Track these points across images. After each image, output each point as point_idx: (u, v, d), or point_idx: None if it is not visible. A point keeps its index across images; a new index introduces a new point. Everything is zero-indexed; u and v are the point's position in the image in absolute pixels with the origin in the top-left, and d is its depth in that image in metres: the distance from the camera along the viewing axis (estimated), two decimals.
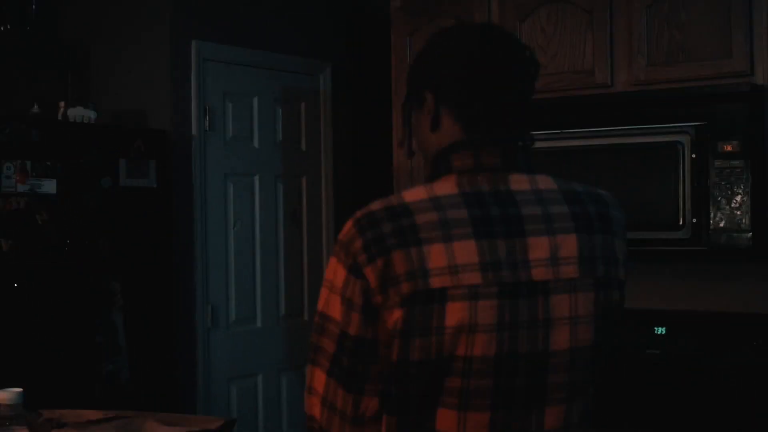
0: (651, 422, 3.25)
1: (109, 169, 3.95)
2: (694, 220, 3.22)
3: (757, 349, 3.41)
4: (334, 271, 1.44)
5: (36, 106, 4.03)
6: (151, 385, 4.08)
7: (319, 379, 1.47)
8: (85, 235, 3.85)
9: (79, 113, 3.99)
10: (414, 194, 1.46)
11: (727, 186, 3.15)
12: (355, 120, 5.19)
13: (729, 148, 3.16)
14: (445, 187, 1.46)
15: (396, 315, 1.38)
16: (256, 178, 4.72)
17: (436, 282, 1.38)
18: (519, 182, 1.49)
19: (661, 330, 3.59)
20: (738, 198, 3.14)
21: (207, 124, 4.46)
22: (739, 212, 3.14)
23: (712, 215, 3.17)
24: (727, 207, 3.15)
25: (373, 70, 5.08)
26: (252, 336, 4.68)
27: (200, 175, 4.41)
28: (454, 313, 1.38)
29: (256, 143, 4.73)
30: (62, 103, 4.04)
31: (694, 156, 3.21)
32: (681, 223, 3.24)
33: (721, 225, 3.16)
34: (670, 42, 3.35)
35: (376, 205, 1.45)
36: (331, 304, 1.44)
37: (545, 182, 1.51)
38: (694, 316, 3.54)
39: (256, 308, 4.72)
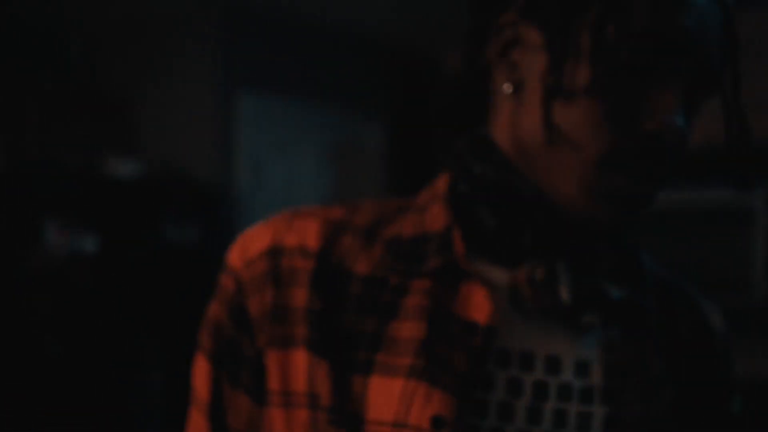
0: None
1: (153, 226, 4.02)
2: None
3: None
4: None
5: (78, 158, 4.12)
6: None
7: None
8: (130, 292, 3.92)
9: (123, 167, 4.08)
10: None
11: None
12: (405, 175, 5.21)
13: None
14: None
15: None
16: None
17: None
18: None
19: None
20: None
21: (254, 178, 4.53)
22: None
23: None
24: None
25: (418, 127, 5.12)
26: None
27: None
28: None
29: (304, 200, 4.79)
30: (108, 158, 4.13)
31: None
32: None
33: None
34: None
35: None
36: None
37: None
38: None
39: None
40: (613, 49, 0.82)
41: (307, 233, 0.90)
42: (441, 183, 0.94)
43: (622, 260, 0.94)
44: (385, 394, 0.85)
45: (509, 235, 0.89)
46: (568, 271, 0.88)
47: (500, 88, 0.89)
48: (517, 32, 0.87)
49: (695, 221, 3.33)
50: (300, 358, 0.87)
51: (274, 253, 0.89)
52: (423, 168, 5.14)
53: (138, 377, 3.95)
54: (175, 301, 4.09)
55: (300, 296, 0.88)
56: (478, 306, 0.88)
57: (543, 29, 0.85)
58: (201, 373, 0.93)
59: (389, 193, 5.11)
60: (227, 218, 4.40)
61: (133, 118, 4.60)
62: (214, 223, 4.29)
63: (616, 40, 0.82)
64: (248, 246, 0.91)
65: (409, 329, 0.86)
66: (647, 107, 0.84)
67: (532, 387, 0.88)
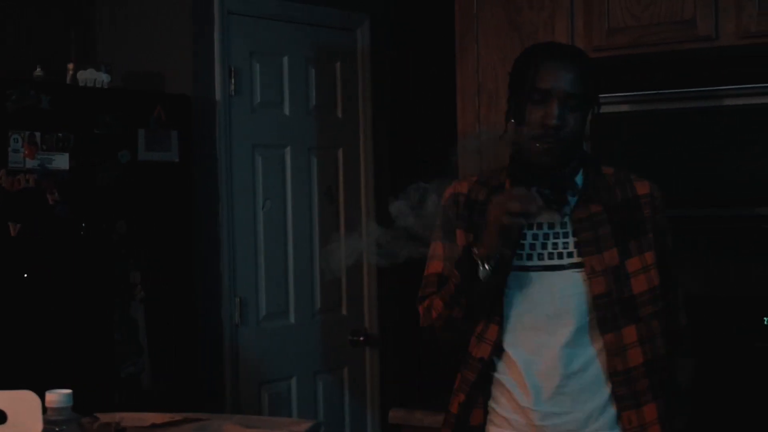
0: (758, 422, 3.30)
1: (126, 141, 3.99)
2: None
3: None
4: None
5: (39, 69, 4.06)
6: (175, 389, 4.13)
7: None
8: (101, 217, 3.90)
9: (90, 76, 4.03)
10: None
11: None
12: (397, 82, 5.21)
13: None
14: None
15: None
16: (287, 151, 4.78)
17: None
18: None
19: None
20: None
21: (232, 88, 4.51)
22: None
23: None
24: None
25: (419, 23, 5.11)
26: (284, 333, 4.74)
27: (225, 147, 4.45)
28: None
29: (286, 110, 4.79)
30: (71, 65, 4.07)
31: None
32: None
33: None
34: None
35: None
36: None
37: None
38: None
39: (288, 301, 4.78)
40: (529, 98, 2.62)
41: (464, 186, 2.79)
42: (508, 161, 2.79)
43: (571, 178, 2.69)
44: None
45: (524, 176, 2.66)
46: (549, 187, 2.60)
47: (510, 120, 2.73)
48: (508, 96, 2.77)
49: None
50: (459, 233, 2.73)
51: (453, 194, 2.77)
52: (413, 70, 5.18)
53: (117, 310, 3.95)
54: (151, 225, 4.07)
55: (459, 210, 2.76)
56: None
57: (509, 93, 2.75)
58: (435, 246, 2.76)
59: (377, 102, 5.10)
60: (204, 133, 4.37)
61: (97, 22, 4.54)
62: (191, 135, 4.25)
63: (531, 93, 2.61)
64: (445, 193, 2.77)
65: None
66: (544, 115, 2.58)
67: (542, 235, 2.66)
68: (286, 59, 4.76)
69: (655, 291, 2.63)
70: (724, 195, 3.42)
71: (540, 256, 2.63)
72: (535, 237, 2.65)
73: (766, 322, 3.66)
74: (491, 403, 2.68)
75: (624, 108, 3.60)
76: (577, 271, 2.60)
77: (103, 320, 3.92)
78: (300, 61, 4.82)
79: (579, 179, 2.69)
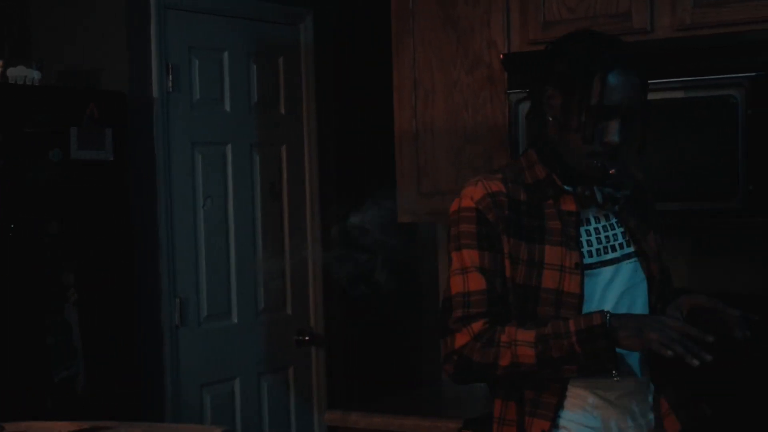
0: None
1: (58, 139, 3.96)
2: (751, 188, 3.25)
3: None
4: None
5: None
6: (112, 394, 4.10)
7: None
8: (32, 217, 3.86)
9: (20, 73, 3.99)
10: None
11: None
12: (341, 76, 5.19)
13: None
14: None
15: None
16: (228, 148, 4.75)
17: None
18: None
19: None
20: None
21: (170, 84, 4.47)
22: None
23: None
24: None
25: (362, 18, 5.09)
26: (227, 334, 4.72)
27: (163, 144, 4.42)
28: None
29: (227, 106, 4.75)
30: (0, 63, 4.03)
31: (750, 112, 3.24)
32: (735, 191, 3.28)
33: None
34: None
35: None
36: None
37: None
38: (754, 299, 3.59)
39: (231, 301, 4.75)
40: (593, 113, 2.42)
41: (498, 185, 2.48)
42: (531, 154, 2.56)
43: (619, 181, 2.54)
44: (554, 254, 2.45)
45: (569, 178, 2.51)
46: (598, 190, 2.52)
47: (548, 118, 2.51)
48: (552, 94, 2.49)
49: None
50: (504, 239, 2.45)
51: (490, 194, 2.46)
52: (357, 65, 5.15)
53: (50, 313, 3.92)
54: (85, 225, 4.04)
55: (504, 212, 2.46)
56: (570, 203, 2.50)
57: (562, 98, 2.45)
58: (472, 256, 2.44)
59: (321, 98, 5.08)
60: (141, 131, 4.34)
61: (29, 17, 4.50)
62: (127, 132, 4.22)
63: (595, 109, 2.42)
64: (472, 193, 2.47)
65: (553, 225, 2.48)
66: (604, 131, 2.43)
67: (595, 230, 2.53)
68: (226, 55, 4.73)
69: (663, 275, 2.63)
70: (658, 189, 3.42)
71: (598, 252, 2.51)
72: (588, 233, 2.52)
73: None
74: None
75: None
76: (633, 261, 2.54)
77: (35, 324, 3.87)
78: (241, 56, 4.79)
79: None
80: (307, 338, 5.00)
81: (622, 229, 2.55)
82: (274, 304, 4.93)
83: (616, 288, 2.50)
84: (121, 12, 4.32)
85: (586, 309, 2.41)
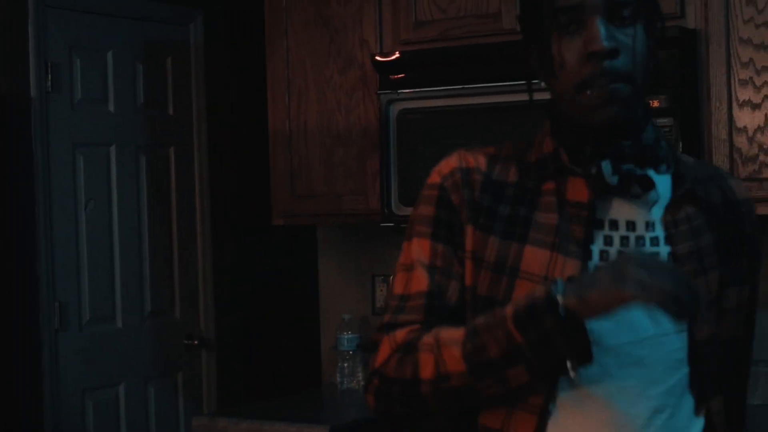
0: None
1: None
2: None
3: None
4: None
5: None
6: None
7: None
8: None
9: None
10: None
11: None
12: (232, 78, 5.18)
13: (657, 104, 3.23)
14: None
15: None
16: (113, 149, 4.71)
17: None
18: None
19: None
20: None
21: (49, 83, 4.43)
22: None
23: None
24: None
25: (253, 18, 5.08)
26: (111, 338, 4.68)
27: (42, 146, 4.38)
28: None
29: (111, 107, 4.71)
30: None
31: None
32: None
33: None
34: None
35: None
36: None
37: None
38: None
39: (115, 305, 4.71)
40: (553, 26, 1.65)
41: (480, 159, 1.76)
42: (546, 125, 1.77)
43: (643, 153, 1.72)
44: (537, 258, 1.68)
45: (579, 150, 1.71)
46: (609, 164, 1.68)
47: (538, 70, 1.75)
48: (531, 50, 1.75)
49: None
50: (468, 231, 1.72)
51: (462, 169, 1.75)
52: (249, 70, 5.13)
53: None
54: None
55: (474, 194, 1.73)
56: (581, 191, 1.70)
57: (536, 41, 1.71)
58: (422, 247, 1.74)
59: (212, 99, 5.07)
60: (18, 132, 4.30)
61: None
62: (4, 133, 4.19)
63: (553, 17, 1.65)
64: (443, 166, 1.77)
65: (546, 218, 1.70)
66: (585, 43, 1.64)
67: (619, 239, 1.71)
68: (110, 54, 4.69)
69: (738, 346, 1.81)
70: None
71: None
72: (609, 241, 1.72)
73: None
74: None
75: (432, 103, 3.61)
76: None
77: None
78: (126, 56, 4.76)
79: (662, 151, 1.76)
80: (196, 342, 4.97)
81: (668, 249, 1.72)
82: (162, 307, 4.90)
83: (624, 330, 1.67)
84: None
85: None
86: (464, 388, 1.63)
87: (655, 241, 1.71)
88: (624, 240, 1.70)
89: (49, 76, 4.43)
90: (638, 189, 1.70)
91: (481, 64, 3.55)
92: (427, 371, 1.64)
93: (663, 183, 1.74)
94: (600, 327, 1.59)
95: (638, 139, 1.72)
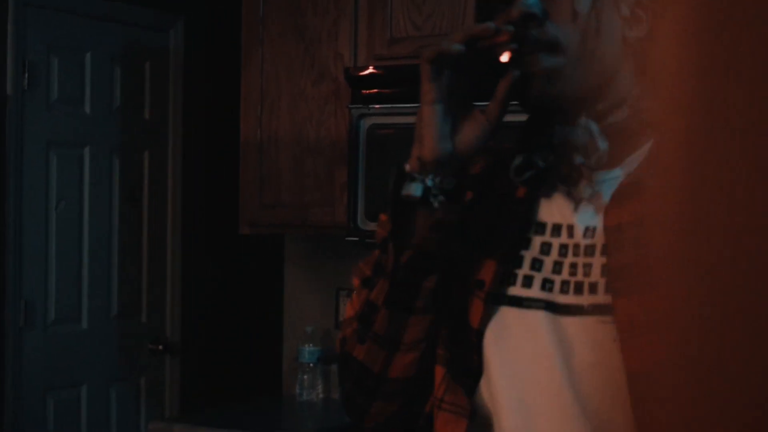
0: None
1: None
2: None
3: None
4: None
5: None
6: None
7: None
8: None
9: None
10: None
11: None
12: (210, 84, 5.21)
13: None
14: None
15: None
16: (87, 150, 4.75)
17: None
18: None
19: None
20: None
21: (26, 82, 4.47)
22: None
23: None
24: None
25: (233, 26, 5.12)
26: (75, 339, 4.71)
27: (15, 143, 4.41)
28: None
29: (87, 108, 4.76)
30: None
31: None
32: None
33: None
34: None
35: None
36: None
37: None
38: None
39: (81, 305, 4.74)
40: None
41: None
42: None
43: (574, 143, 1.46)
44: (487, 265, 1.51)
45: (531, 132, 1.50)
46: (524, 157, 1.47)
47: None
48: None
49: None
50: None
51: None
52: (227, 78, 5.17)
53: None
54: None
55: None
56: (519, 188, 1.51)
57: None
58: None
59: (188, 105, 5.10)
60: None
61: None
62: None
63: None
64: None
65: (486, 217, 1.55)
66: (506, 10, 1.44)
67: (558, 247, 1.48)
68: (88, 56, 4.73)
69: None
70: None
71: (546, 285, 1.49)
72: (543, 248, 1.51)
73: None
74: None
75: (403, 120, 3.65)
76: (604, 321, 1.43)
77: None
78: (105, 58, 4.79)
79: (603, 143, 1.48)
80: (160, 347, 5.00)
81: (603, 259, 1.45)
82: (128, 310, 4.93)
83: (552, 354, 1.47)
84: None
85: (498, 377, 1.49)
86: (366, 314, 1.52)
87: (590, 251, 1.47)
88: (545, 247, 1.51)
89: (26, 74, 4.47)
90: (582, 190, 1.48)
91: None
92: (349, 314, 1.59)
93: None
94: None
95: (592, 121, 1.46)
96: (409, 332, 1.51)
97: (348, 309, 1.58)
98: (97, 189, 4.78)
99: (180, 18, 5.08)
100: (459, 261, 1.54)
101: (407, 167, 1.42)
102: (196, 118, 5.17)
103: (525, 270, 1.51)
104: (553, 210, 1.52)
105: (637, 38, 1.48)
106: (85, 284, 4.74)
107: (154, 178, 5.02)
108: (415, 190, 1.41)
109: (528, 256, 1.51)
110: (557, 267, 1.49)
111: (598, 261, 1.45)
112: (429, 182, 1.41)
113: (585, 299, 1.45)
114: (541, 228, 1.52)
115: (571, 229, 1.49)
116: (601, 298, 1.43)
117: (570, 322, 1.45)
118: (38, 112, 4.54)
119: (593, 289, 1.45)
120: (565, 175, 1.48)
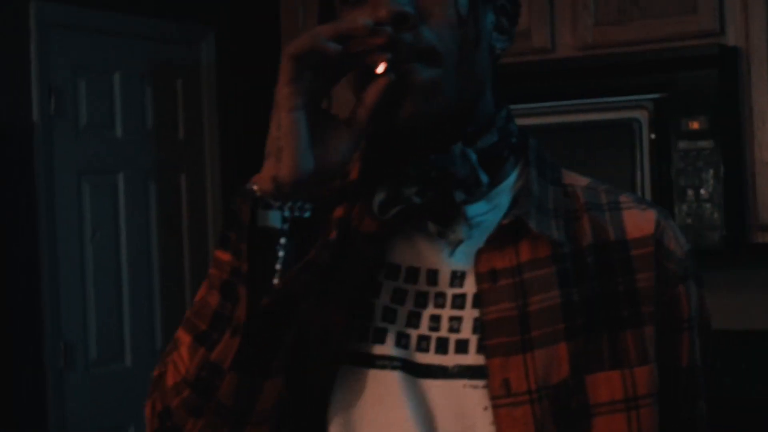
0: None
1: None
2: None
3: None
4: None
5: None
6: None
7: None
8: None
9: None
10: None
11: (694, 172, 3.18)
12: (247, 99, 5.09)
13: (695, 126, 3.21)
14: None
15: None
16: (120, 176, 4.64)
17: None
18: None
19: None
20: (707, 187, 3.18)
21: (52, 107, 4.35)
22: (708, 205, 3.16)
23: (676, 209, 3.20)
24: (695, 198, 3.18)
25: (267, 36, 4.97)
26: (120, 378, 4.59)
27: (45, 173, 4.30)
28: None
29: (118, 132, 4.65)
30: None
31: (653, 136, 3.24)
32: None
33: (688, 221, 3.18)
34: None
35: None
36: None
37: None
38: None
39: (124, 342, 4.63)
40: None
41: None
42: None
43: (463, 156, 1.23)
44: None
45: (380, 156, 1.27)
46: (387, 189, 1.24)
47: None
48: None
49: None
50: None
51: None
52: (263, 92, 5.00)
53: None
54: None
55: None
56: (370, 223, 1.24)
57: None
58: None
59: (224, 122, 4.98)
60: (20, 159, 4.21)
61: None
62: (4, 161, 4.11)
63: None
64: None
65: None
66: (372, 11, 1.18)
67: (414, 295, 1.25)
68: (117, 76, 4.63)
69: None
70: None
71: (401, 341, 1.26)
72: (396, 296, 1.28)
73: None
74: None
75: None
76: (474, 385, 1.23)
77: None
78: (134, 77, 4.69)
79: (485, 176, 1.26)
80: None
81: (474, 315, 1.24)
82: None
83: (407, 420, 1.24)
84: None
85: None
86: (205, 363, 1.21)
87: (458, 302, 1.25)
88: (397, 294, 1.26)
89: (53, 100, 4.37)
90: (457, 233, 1.26)
91: (514, 85, 3.46)
92: (179, 374, 1.26)
93: (493, 214, 1.27)
94: None
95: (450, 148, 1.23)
96: (262, 400, 1.21)
97: (170, 373, 1.25)
98: (134, 217, 4.68)
99: (210, 30, 4.97)
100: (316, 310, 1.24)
101: (255, 189, 1.15)
102: (233, 135, 5.06)
103: (377, 322, 1.25)
104: (410, 251, 1.27)
105: (503, 50, 1.28)
106: (126, 319, 4.62)
107: (192, 202, 4.92)
108: (272, 219, 1.15)
109: (379, 304, 1.26)
110: (413, 319, 1.25)
111: (469, 314, 1.24)
112: (287, 212, 1.16)
113: (450, 359, 1.23)
114: (393, 271, 1.27)
115: (433, 274, 1.26)
116: (472, 358, 1.22)
117: (431, 386, 1.23)
118: (67, 139, 4.44)
119: (462, 347, 1.23)
120: (439, 213, 1.24)
